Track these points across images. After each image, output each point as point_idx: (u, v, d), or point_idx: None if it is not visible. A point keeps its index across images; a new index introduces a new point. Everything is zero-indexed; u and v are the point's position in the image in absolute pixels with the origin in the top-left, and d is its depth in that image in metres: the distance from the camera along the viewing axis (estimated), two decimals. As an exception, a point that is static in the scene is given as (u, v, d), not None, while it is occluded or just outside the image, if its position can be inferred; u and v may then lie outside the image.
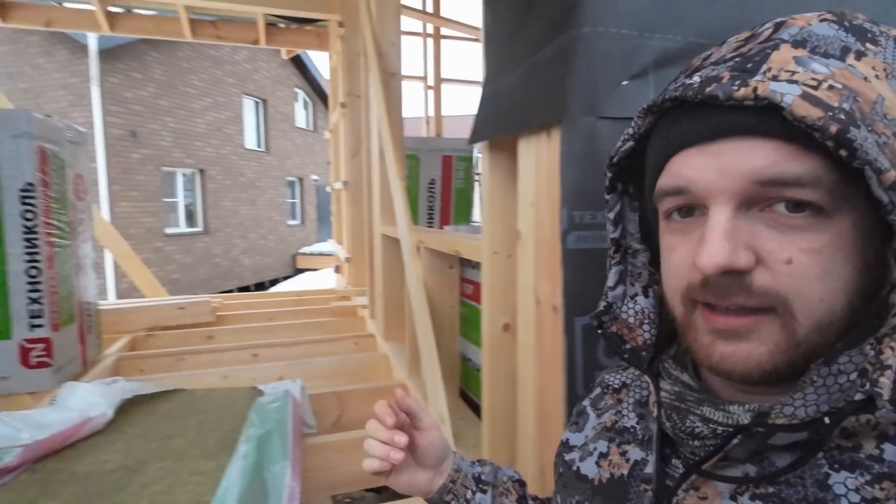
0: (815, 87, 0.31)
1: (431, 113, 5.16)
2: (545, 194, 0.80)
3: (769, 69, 0.33)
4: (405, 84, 3.55)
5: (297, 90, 12.99)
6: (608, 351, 0.80)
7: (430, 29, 5.02)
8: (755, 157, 0.33)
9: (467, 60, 6.23)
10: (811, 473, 0.34)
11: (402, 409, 0.60)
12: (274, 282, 11.64)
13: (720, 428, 0.38)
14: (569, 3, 0.70)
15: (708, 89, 0.34)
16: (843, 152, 0.30)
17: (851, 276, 0.34)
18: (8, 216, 1.83)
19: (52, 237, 1.96)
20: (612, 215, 0.47)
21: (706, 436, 0.39)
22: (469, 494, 0.61)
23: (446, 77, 5.18)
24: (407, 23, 4.84)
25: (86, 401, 1.40)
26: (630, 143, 0.43)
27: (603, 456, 0.49)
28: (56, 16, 3.70)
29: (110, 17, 3.76)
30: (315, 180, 13.83)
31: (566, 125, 0.71)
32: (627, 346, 0.47)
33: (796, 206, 0.33)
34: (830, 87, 0.32)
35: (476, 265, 1.66)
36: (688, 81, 0.36)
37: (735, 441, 0.36)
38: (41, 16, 3.63)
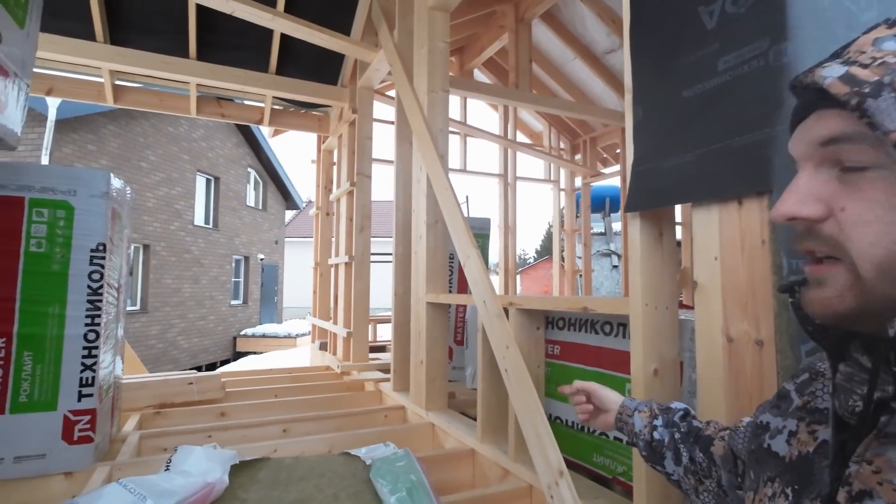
0: (866, 66, 0.39)
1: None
2: (737, 249, 1.00)
3: (848, 55, 0.41)
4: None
5: (249, 169, 13.00)
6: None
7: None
8: (821, 125, 0.42)
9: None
10: None
11: (580, 389, 0.95)
12: (211, 366, 10.80)
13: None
14: (771, 106, 0.95)
15: (794, 77, 0.45)
16: (864, 119, 0.37)
17: None
18: (73, 276, 1.75)
19: (109, 302, 1.87)
20: None
21: (862, 413, 0.41)
22: (629, 420, 0.87)
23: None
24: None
25: (202, 465, 1.31)
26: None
27: (792, 434, 0.51)
28: (59, 85, 3.66)
29: (116, 90, 3.78)
30: (261, 259, 13.47)
31: (778, 192, 0.93)
32: (817, 321, 0.47)
33: (851, 168, 0.40)
34: (881, 63, 0.38)
35: (562, 325, 1.81)
36: (798, 77, 0.45)
37: (882, 419, 0.39)
38: (44, 84, 3.58)
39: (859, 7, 1.06)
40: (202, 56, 3.66)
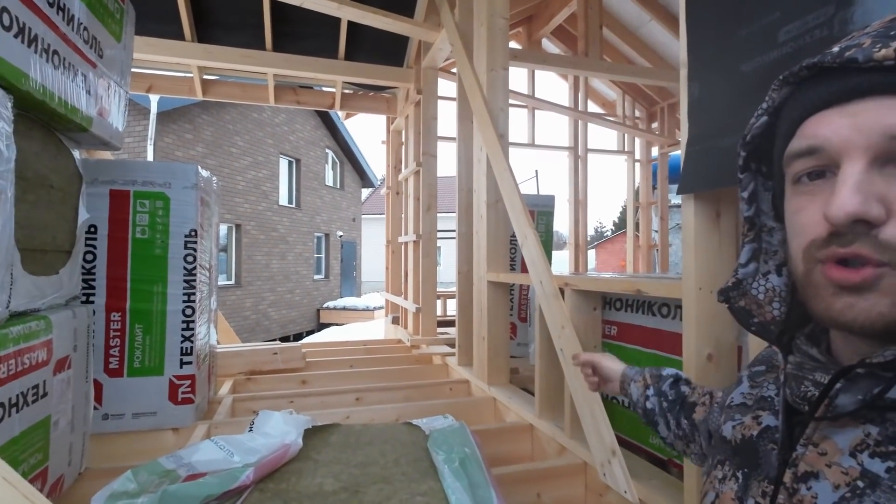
0: None
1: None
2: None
3: None
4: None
5: (327, 150, 13.59)
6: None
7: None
8: (890, 114, 0.35)
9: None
10: None
11: (587, 361, 1.00)
12: (298, 336, 11.65)
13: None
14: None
15: (848, 53, 0.36)
16: None
17: None
18: (172, 259, 1.99)
19: (202, 281, 2.11)
20: (745, 194, 0.49)
21: (819, 396, 0.41)
22: (628, 389, 0.91)
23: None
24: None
25: (280, 428, 1.49)
26: (764, 118, 0.45)
27: (739, 422, 0.53)
28: (157, 83, 4.05)
29: (204, 84, 4.11)
30: (340, 236, 14.16)
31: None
32: (755, 320, 0.49)
33: None
34: None
35: (619, 306, 1.79)
36: (827, 51, 0.38)
37: (838, 385, 0.38)
38: (144, 82, 3.98)
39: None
40: (277, 47, 3.87)
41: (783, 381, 0.48)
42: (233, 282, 9.95)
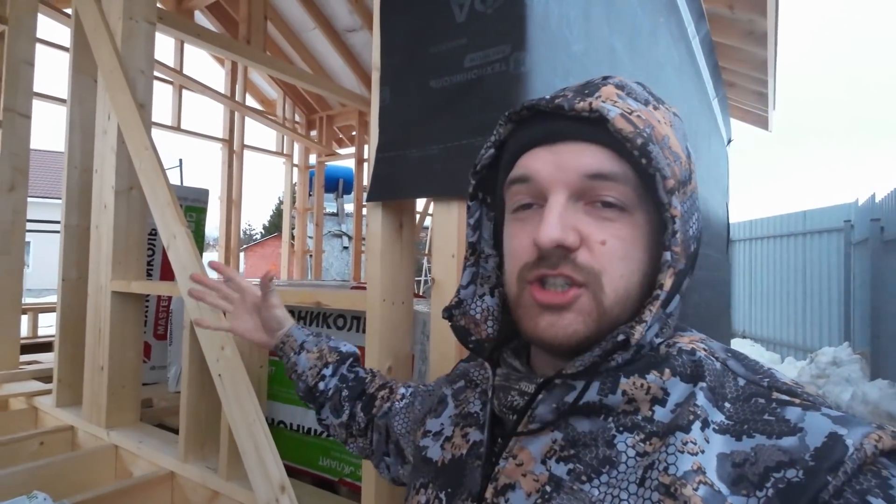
0: (630, 113, 0.43)
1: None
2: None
3: (600, 96, 0.45)
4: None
5: None
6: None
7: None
8: (585, 157, 0.43)
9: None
10: (602, 437, 0.42)
11: (223, 274, 0.88)
12: None
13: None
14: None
15: (557, 101, 0.45)
16: (643, 160, 0.41)
17: (643, 259, 0.44)
18: None
19: None
20: (472, 221, 0.54)
21: (522, 408, 0.46)
22: (292, 355, 0.83)
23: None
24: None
25: None
26: (491, 151, 0.52)
27: (447, 439, 0.54)
28: None
29: None
30: None
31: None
32: (473, 338, 0.53)
33: (609, 204, 0.43)
34: (638, 117, 0.43)
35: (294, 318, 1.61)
36: (544, 97, 0.47)
37: (539, 397, 0.44)
38: None
39: (573, 37, 1.20)
40: None
41: (491, 394, 0.50)
42: None
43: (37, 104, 2.84)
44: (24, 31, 2.73)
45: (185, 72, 4.74)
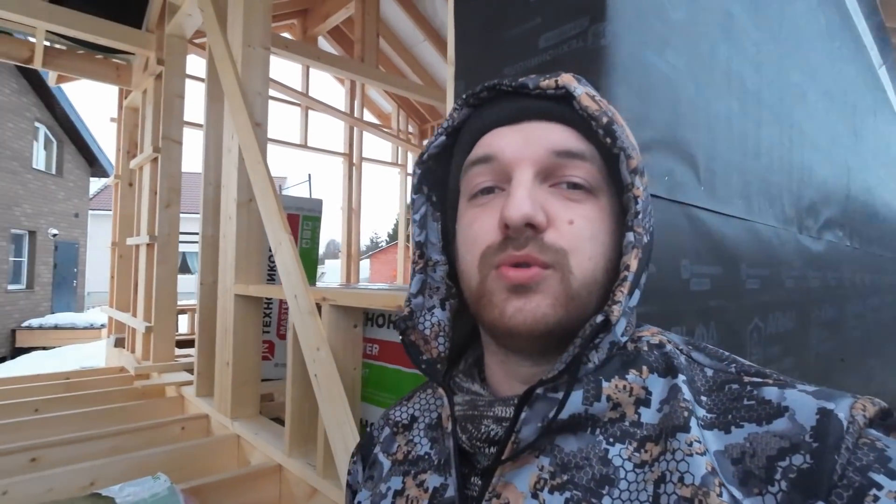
0: (593, 96, 0.42)
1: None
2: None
3: (562, 79, 0.43)
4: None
5: (37, 125, 10.55)
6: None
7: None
8: (552, 134, 0.42)
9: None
10: (594, 452, 0.38)
11: None
12: (-23, 367, 8.63)
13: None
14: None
15: (520, 80, 0.43)
16: (608, 139, 0.41)
17: (608, 243, 0.42)
18: None
19: None
20: (417, 217, 0.49)
21: (502, 438, 0.39)
22: None
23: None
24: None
25: None
26: (442, 138, 0.48)
27: (398, 493, 0.46)
28: None
29: None
30: (54, 235, 11.11)
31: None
32: (424, 357, 0.47)
33: (574, 185, 0.41)
34: (601, 99, 0.43)
35: (382, 323, 1.63)
36: (504, 79, 0.44)
37: (523, 415, 0.39)
38: None
39: (672, 5, 1.04)
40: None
41: (452, 428, 0.43)
42: None
43: (185, 131, 3.27)
44: (176, 70, 3.18)
45: (310, 94, 5.18)
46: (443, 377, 0.46)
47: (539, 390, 0.39)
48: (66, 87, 10.27)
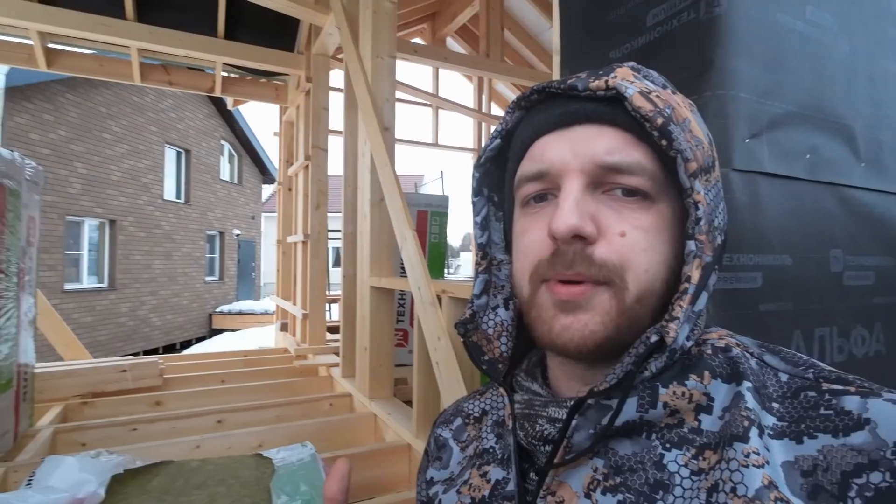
0: (648, 93, 0.39)
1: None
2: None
3: (616, 75, 0.40)
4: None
5: (223, 142, 12.57)
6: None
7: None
8: (601, 141, 0.39)
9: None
10: (649, 457, 0.37)
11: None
12: (186, 343, 10.63)
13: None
14: (701, 68, 0.79)
15: (569, 81, 0.41)
16: (664, 142, 0.38)
17: (668, 252, 0.39)
18: (-49, 261, 1.56)
19: (0, 286, 1.69)
20: (479, 219, 0.49)
21: (555, 438, 0.40)
22: None
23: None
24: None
25: (71, 478, 1.16)
26: (497, 142, 0.47)
27: (465, 483, 0.47)
28: (-15, 47, 3.37)
29: (49, 53, 3.49)
30: (237, 235, 13.17)
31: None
32: (486, 358, 0.47)
33: (629, 192, 0.39)
34: (657, 97, 0.39)
35: (499, 315, 1.66)
36: (553, 81, 0.43)
37: (574, 422, 0.38)
38: (-35, 45, 3.28)
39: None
40: (142, 18, 3.37)
41: (513, 425, 0.44)
42: (105, 284, 8.81)
43: (331, 139, 3.65)
44: (322, 85, 3.55)
45: (440, 94, 5.39)
46: (504, 376, 0.47)
47: (590, 400, 0.38)
48: (241, 108, 12.06)
